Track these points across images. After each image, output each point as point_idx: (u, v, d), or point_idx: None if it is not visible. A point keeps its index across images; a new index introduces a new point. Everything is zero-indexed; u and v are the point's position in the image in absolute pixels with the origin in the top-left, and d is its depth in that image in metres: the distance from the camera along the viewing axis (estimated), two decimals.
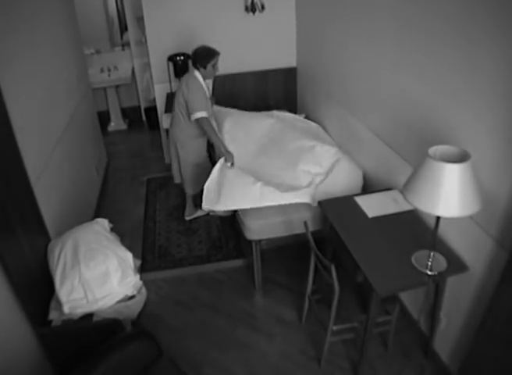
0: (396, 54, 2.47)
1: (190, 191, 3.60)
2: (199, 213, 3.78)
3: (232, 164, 3.06)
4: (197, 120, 3.11)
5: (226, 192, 2.77)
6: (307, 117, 4.06)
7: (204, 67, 3.10)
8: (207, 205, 2.80)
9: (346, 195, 2.66)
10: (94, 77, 5.25)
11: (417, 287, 2.18)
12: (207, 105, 3.16)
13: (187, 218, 3.77)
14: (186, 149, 3.36)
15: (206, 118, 3.12)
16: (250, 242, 2.90)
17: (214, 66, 3.13)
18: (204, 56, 3.09)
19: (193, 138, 3.32)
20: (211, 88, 3.42)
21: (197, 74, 3.13)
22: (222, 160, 3.00)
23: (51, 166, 2.87)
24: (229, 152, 3.10)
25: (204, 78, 3.16)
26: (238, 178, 2.86)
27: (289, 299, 2.96)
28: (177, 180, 3.61)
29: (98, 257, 2.39)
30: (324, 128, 3.82)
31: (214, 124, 3.39)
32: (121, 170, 4.78)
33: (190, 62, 3.34)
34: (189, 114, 3.14)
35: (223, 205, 2.77)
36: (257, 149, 3.33)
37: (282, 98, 4.50)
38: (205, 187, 2.83)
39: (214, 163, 3.10)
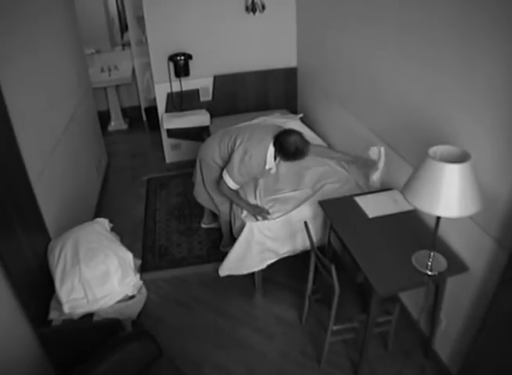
0: (396, 54, 2.46)
1: (224, 216, 3.16)
2: None
3: (267, 214, 2.71)
4: (224, 183, 2.76)
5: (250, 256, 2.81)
6: (304, 117, 4.07)
7: (279, 152, 2.65)
8: (224, 272, 2.84)
9: (346, 195, 2.67)
10: (94, 77, 5.24)
11: (417, 287, 2.18)
12: (245, 181, 2.78)
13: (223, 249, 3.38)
14: (209, 172, 3.00)
15: (231, 189, 2.77)
16: None
17: (282, 159, 2.72)
18: (294, 154, 2.59)
19: (220, 166, 2.91)
20: (274, 164, 2.83)
21: (271, 149, 2.65)
22: (248, 225, 2.71)
23: (51, 166, 2.87)
24: (257, 207, 2.74)
25: (275, 159, 2.74)
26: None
27: (289, 299, 2.96)
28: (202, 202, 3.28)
29: (99, 257, 2.39)
30: (324, 128, 3.83)
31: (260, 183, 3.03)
32: (121, 170, 4.78)
33: (271, 134, 2.68)
34: (224, 163, 2.81)
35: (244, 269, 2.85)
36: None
37: (283, 97, 4.49)
38: (229, 256, 2.79)
39: None
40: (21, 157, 2.37)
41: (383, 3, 2.51)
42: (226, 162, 2.81)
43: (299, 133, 2.61)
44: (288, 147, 2.56)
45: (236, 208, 2.93)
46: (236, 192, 2.84)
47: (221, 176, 2.82)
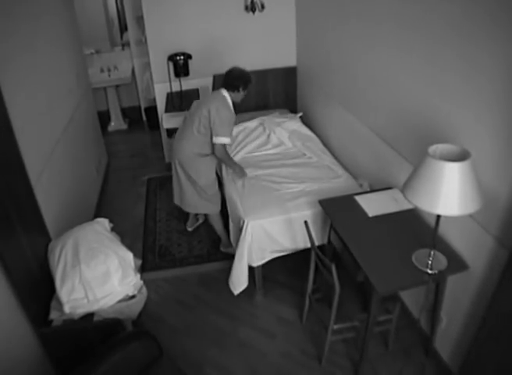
0: (395, 53, 2.46)
1: (211, 210, 3.26)
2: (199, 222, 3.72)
3: (244, 175, 3.13)
4: (216, 145, 2.95)
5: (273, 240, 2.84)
6: (303, 116, 4.07)
7: (238, 90, 2.97)
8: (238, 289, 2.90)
9: (346, 194, 2.67)
10: (94, 77, 5.25)
11: (417, 286, 2.18)
12: (232, 130, 3.03)
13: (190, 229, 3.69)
14: (195, 171, 3.07)
15: (226, 145, 3.02)
16: None
17: (245, 91, 3.02)
18: (243, 80, 2.96)
19: (204, 156, 3.06)
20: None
21: (227, 95, 2.98)
22: (246, 225, 2.76)
23: (51, 166, 2.87)
24: (241, 169, 3.14)
25: (233, 101, 3.02)
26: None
27: (289, 298, 2.96)
28: (177, 202, 3.36)
29: (99, 257, 2.39)
30: (324, 127, 3.83)
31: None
32: (121, 170, 4.78)
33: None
34: (210, 134, 2.96)
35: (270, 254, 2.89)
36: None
37: (282, 97, 4.50)
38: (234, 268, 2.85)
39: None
40: (21, 157, 2.37)
41: (383, 1, 2.51)
42: (205, 145, 3.01)
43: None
44: (242, 75, 2.97)
45: (234, 209, 2.94)
46: (229, 155, 3.14)
47: (211, 151, 3.03)
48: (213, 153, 3.05)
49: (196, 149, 3.02)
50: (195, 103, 3.15)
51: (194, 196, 3.17)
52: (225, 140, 2.95)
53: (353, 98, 3.14)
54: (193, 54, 4.04)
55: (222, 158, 3.04)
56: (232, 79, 2.97)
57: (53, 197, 2.86)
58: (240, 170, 3.14)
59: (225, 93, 2.98)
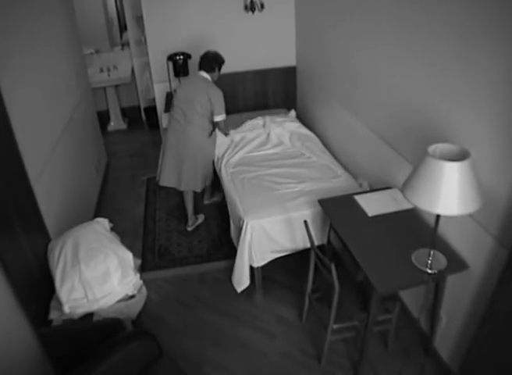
0: (395, 53, 2.46)
1: (208, 182, 3.64)
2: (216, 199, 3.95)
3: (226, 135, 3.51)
4: (219, 122, 3.25)
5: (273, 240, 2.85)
6: (303, 116, 4.07)
7: (214, 70, 3.24)
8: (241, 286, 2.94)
9: (345, 194, 2.67)
10: (93, 77, 5.25)
11: (417, 285, 2.18)
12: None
13: (207, 202, 3.97)
14: (208, 148, 3.42)
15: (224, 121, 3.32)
16: None
17: (219, 71, 3.30)
18: (218, 61, 3.23)
19: (210, 135, 3.39)
20: None
21: (208, 77, 3.23)
22: (245, 224, 2.77)
23: (51, 166, 2.87)
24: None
25: (212, 80, 3.26)
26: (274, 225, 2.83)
27: (289, 298, 2.96)
28: (185, 188, 3.51)
29: (99, 256, 2.39)
30: (323, 127, 3.83)
31: None
32: (121, 170, 4.78)
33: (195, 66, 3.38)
34: (208, 114, 3.23)
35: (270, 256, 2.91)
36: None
37: (282, 96, 4.50)
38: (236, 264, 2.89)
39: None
40: (21, 157, 2.37)
41: (383, 1, 2.51)
42: (208, 125, 3.29)
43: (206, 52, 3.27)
44: (216, 57, 3.23)
45: (233, 209, 2.94)
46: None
47: (212, 130, 3.36)
48: (213, 130, 3.36)
49: (204, 130, 3.29)
50: (183, 90, 3.26)
51: (197, 174, 3.41)
52: (224, 116, 3.25)
53: (353, 97, 3.15)
54: (193, 54, 4.04)
55: (225, 131, 3.38)
56: (208, 61, 3.22)
57: (53, 197, 2.86)
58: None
59: (205, 75, 3.23)
